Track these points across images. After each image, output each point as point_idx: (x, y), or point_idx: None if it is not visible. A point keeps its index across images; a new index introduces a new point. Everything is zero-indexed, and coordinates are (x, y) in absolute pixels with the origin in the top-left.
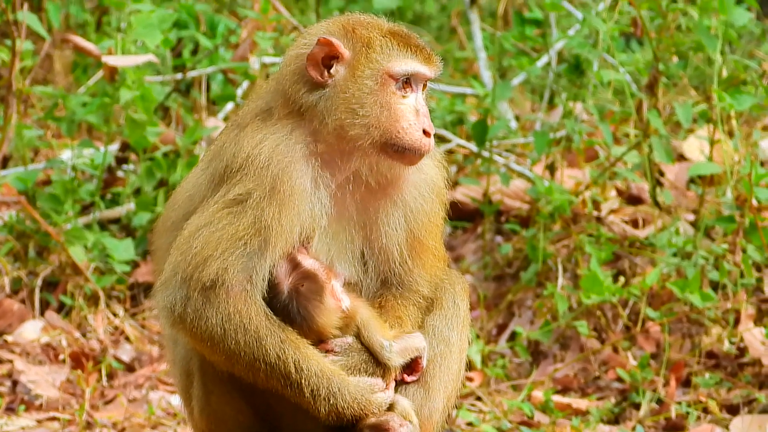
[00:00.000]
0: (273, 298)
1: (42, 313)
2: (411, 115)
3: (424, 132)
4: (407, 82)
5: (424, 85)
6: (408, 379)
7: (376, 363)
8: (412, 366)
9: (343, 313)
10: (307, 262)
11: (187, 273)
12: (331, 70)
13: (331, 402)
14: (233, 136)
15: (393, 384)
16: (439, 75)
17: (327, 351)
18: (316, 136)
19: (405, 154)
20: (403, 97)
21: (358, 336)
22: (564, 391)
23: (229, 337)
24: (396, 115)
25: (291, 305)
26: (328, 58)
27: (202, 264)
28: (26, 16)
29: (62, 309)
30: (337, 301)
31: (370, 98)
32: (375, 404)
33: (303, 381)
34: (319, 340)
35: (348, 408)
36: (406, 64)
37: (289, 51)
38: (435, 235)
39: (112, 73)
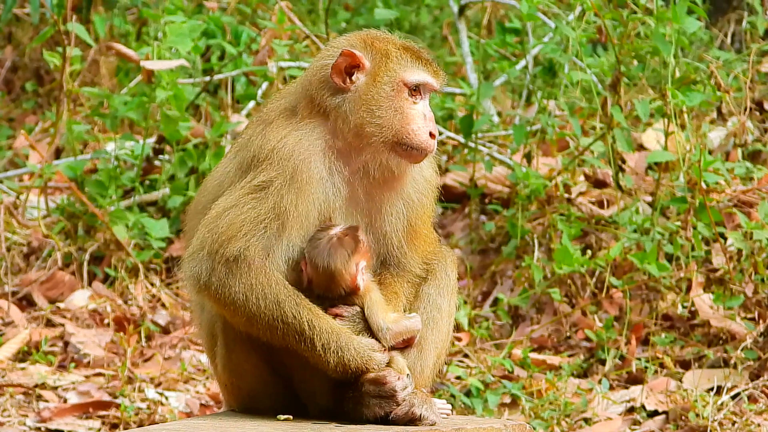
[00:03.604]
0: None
1: (89, 284)
2: (420, 119)
3: (430, 134)
4: (417, 90)
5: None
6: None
7: None
8: (406, 340)
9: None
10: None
11: (213, 248)
12: (353, 77)
13: (339, 355)
14: (259, 131)
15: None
16: (444, 87)
17: (336, 315)
18: (335, 134)
19: (412, 152)
20: (414, 103)
21: (362, 310)
22: (539, 349)
23: (251, 302)
24: (408, 118)
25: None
26: (351, 67)
27: (227, 242)
28: (75, 27)
29: (107, 280)
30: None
31: (386, 102)
32: (375, 361)
33: (315, 337)
34: (331, 305)
35: (353, 361)
36: (418, 74)
37: (314, 62)
38: (427, 224)
39: (150, 75)
